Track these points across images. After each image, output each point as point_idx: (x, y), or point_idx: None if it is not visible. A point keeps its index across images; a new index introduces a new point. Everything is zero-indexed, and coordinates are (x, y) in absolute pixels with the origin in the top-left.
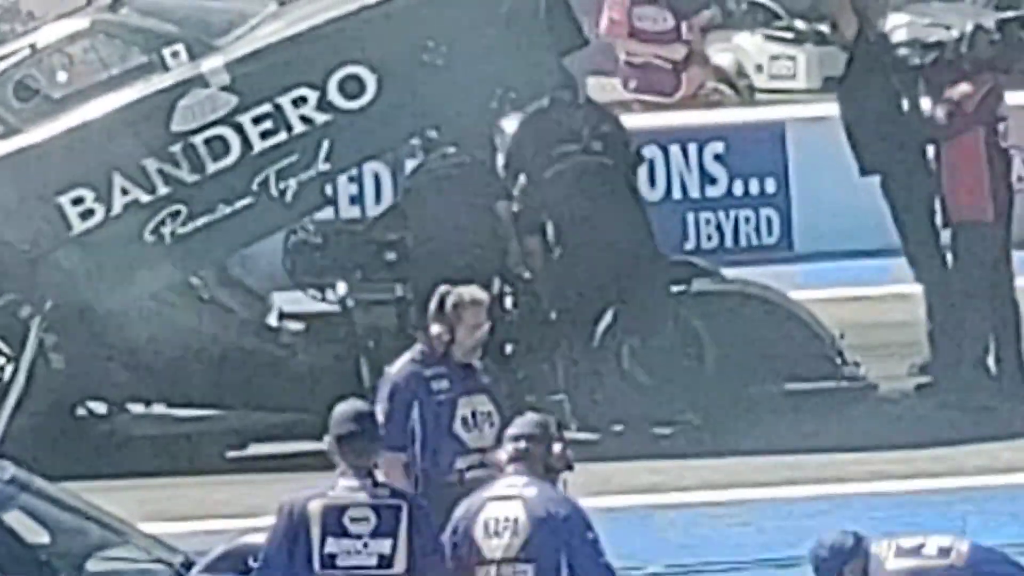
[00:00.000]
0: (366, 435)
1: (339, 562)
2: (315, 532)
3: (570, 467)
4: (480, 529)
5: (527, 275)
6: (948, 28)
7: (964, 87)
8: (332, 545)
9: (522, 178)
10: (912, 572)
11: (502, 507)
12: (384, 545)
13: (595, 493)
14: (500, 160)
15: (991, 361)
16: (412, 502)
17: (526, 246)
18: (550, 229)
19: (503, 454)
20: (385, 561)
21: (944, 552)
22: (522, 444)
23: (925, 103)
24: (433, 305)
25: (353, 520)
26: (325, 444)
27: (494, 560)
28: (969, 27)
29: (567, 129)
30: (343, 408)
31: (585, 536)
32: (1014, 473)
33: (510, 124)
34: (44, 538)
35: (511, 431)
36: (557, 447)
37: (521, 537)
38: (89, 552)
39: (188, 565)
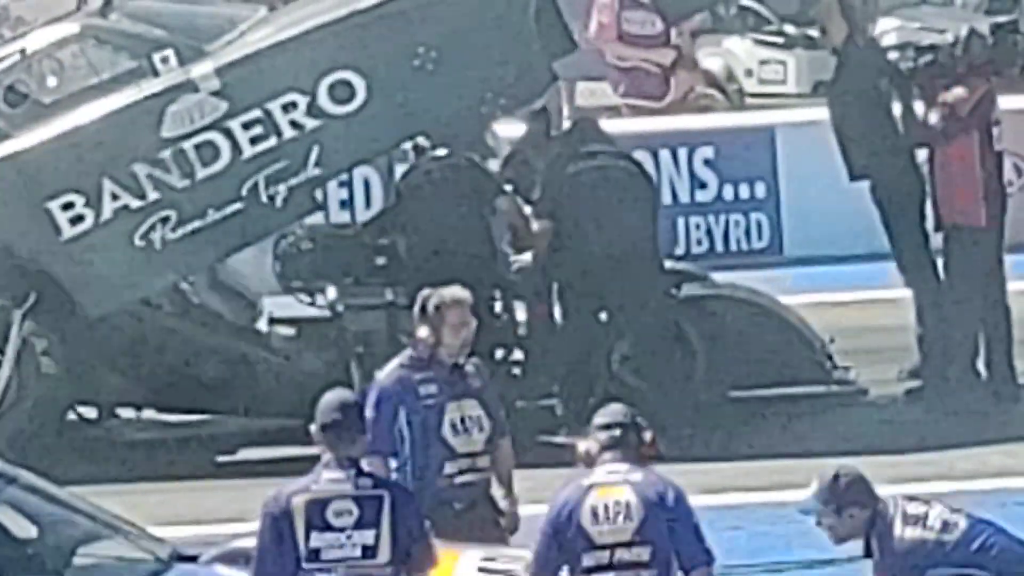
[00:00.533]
0: (351, 424)
1: (324, 556)
2: (299, 527)
3: (660, 457)
4: (588, 516)
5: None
6: (941, 32)
7: (958, 91)
8: (316, 539)
9: (544, 167)
10: (915, 542)
11: (610, 493)
12: (367, 536)
13: None
14: (494, 163)
15: (981, 365)
16: (394, 491)
17: (540, 227)
18: (560, 223)
19: (593, 443)
20: (369, 552)
21: (946, 526)
22: (616, 432)
23: (919, 107)
24: (416, 309)
25: (336, 514)
26: (311, 431)
27: (606, 545)
28: (963, 31)
29: (599, 131)
30: (329, 397)
31: (690, 520)
32: (1004, 477)
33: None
34: (31, 532)
35: (600, 420)
36: (648, 435)
37: (635, 521)
38: (77, 545)
39: (177, 557)
